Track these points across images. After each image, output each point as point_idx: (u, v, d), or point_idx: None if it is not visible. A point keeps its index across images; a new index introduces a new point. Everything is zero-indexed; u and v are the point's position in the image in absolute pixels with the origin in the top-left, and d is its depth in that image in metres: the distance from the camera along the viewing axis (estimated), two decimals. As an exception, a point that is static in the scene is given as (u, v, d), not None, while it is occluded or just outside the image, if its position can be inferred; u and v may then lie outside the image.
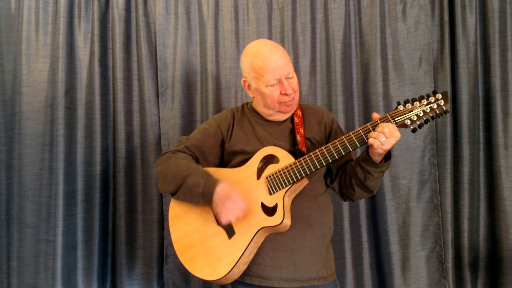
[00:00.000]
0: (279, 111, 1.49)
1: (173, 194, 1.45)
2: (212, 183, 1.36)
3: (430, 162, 2.22)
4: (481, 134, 2.23)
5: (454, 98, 2.25)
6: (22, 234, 2.13)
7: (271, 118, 1.52)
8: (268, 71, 1.40)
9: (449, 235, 2.18)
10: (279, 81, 1.42)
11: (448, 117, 2.20)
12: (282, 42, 2.25)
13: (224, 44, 2.27)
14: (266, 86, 1.43)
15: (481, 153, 2.23)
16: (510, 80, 2.16)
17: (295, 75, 1.47)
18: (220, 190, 1.35)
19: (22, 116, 2.15)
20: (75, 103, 2.20)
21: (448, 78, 2.21)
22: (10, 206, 2.16)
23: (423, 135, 2.21)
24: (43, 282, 2.12)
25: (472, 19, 2.21)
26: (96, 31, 2.21)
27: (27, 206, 2.14)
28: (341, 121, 2.21)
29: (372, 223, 2.26)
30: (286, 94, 1.43)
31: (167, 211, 2.18)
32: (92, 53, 2.22)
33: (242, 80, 1.54)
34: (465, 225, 2.22)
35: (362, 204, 2.23)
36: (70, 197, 2.15)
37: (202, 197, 1.36)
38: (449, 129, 2.20)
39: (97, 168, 2.20)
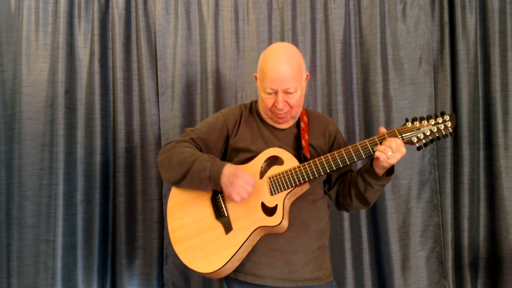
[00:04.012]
0: (271, 119, 1.49)
1: (176, 183, 1.45)
2: (219, 166, 1.37)
3: (430, 162, 2.22)
4: (481, 134, 2.23)
5: (454, 98, 2.25)
6: (22, 234, 2.13)
7: (268, 122, 1.52)
8: (268, 79, 1.40)
9: (449, 235, 2.18)
10: (276, 92, 1.41)
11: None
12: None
13: (224, 44, 2.26)
14: (264, 91, 1.43)
15: (481, 153, 2.23)
16: (510, 80, 2.16)
17: (299, 91, 1.43)
18: (226, 171, 1.36)
19: (22, 116, 2.15)
20: (75, 103, 2.19)
21: (448, 78, 2.21)
22: (10, 206, 2.16)
23: (423, 135, 2.21)
24: (43, 282, 2.12)
25: (472, 19, 2.21)
26: (96, 31, 2.21)
27: (27, 206, 2.14)
28: (341, 121, 2.21)
29: (372, 223, 2.26)
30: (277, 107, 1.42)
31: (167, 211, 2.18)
32: (92, 53, 2.22)
33: (255, 74, 1.53)
34: (465, 225, 2.22)
35: (362, 204, 2.23)
36: (70, 197, 2.15)
37: (210, 181, 1.37)
38: (449, 129, 2.20)
39: (97, 168, 2.20)
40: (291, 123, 1.52)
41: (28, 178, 2.15)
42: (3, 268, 2.18)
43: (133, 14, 2.25)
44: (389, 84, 2.23)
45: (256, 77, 1.53)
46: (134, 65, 2.25)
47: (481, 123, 2.23)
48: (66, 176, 2.13)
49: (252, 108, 1.59)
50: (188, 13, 2.26)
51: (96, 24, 2.21)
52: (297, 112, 1.49)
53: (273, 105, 1.42)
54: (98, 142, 2.20)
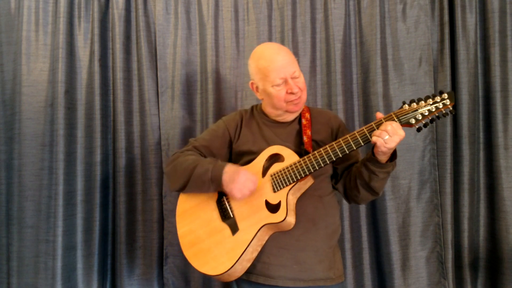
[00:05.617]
0: (287, 111, 1.50)
1: (182, 189, 1.48)
2: (220, 166, 1.40)
3: (430, 162, 2.22)
4: (481, 134, 2.23)
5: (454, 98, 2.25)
6: (22, 234, 2.13)
7: (279, 119, 1.54)
8: (273, 71, 1.42)
9: (449, 235, 2.17)
10: (285, 81, 1.43)
11: (448, 117, 2.20)
12: (282, 42, 2.25)
13: (224, 44, 2.26)
14: (272, 86, 1.45)
15: (481, 153, 2.23)
16: (510, 80, 2.16)
17: (301, 74, 1.48)
18: (228, 170, 1.38)
19: (22, 116, 2.15)
20: (75, 103, 2.19)
21: (448, 78, 2.21)
22: (10, 206, 2.16)
23: (423, 135, 2.21)
24: (43, 282, 2.12)
25: (472, 19, 2.21)
26: (96, 31, 2.21)
27: (27, 206, 2.14)
28: (341, 121, 2.21)
29: (372, 223, 2.25)
30: (292, 93, 1.44)
31: (167, 211, 2.19)
32: (92, 53, 2.22)
33: (250, 82, 1.55)
34: (465, 225, 2.21)
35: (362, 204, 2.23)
36: (70, 197, 2.15)
37: (212, 182, 1.39)
38: (449, 129, 2.20)
39: (97, 168, 2.20)
40: (302, 107, 1.54)
41: (28, 178, 2.14)
42: (3, 268, 2.18)
43: (133, 14, 2.25)
44: (389, 84, 2.23)
45: (252, 85, 1.54)
46: (134, 65, 2.25)
47: (481, 123, 2.23)
48: (66, 176, 2.13)
49: (254, 111, 1.61)
50: (188, 13, 2.26)
51: (96, 24, 2.21)
52: (306, 96, 1.52)
53: (287, 93, 1.44)
54: (98, 142, 2.20)
